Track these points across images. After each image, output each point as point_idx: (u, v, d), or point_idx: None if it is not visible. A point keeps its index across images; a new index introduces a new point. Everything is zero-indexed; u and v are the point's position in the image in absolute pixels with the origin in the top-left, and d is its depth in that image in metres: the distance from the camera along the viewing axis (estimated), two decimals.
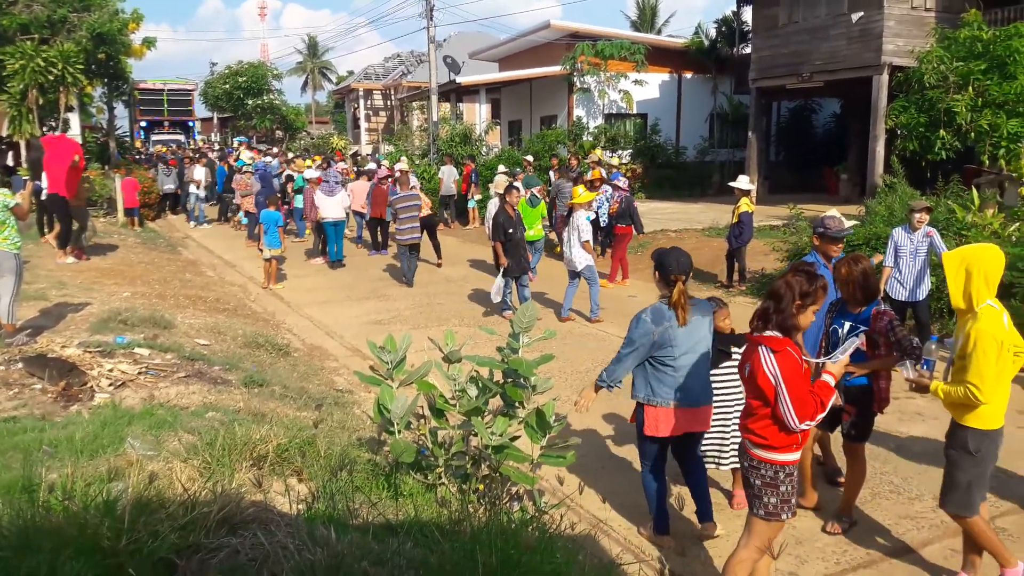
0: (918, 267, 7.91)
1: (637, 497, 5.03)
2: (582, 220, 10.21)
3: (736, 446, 4.91)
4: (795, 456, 3.60)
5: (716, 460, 5.07)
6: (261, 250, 13.15)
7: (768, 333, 3.54)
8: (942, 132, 14.66)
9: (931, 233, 7.97)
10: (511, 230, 10.25)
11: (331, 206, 14.49)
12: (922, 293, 7.99)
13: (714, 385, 4.79)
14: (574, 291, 10.37)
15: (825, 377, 3.59)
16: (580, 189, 11.54)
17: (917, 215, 7.86)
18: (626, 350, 4.51)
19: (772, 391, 3.47)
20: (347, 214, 15.34)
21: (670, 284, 4.46)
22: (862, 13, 16.85)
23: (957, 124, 14.47)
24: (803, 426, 3.45)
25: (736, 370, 4.77)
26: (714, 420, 4.85)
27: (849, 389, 4.76)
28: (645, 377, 4.54)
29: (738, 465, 4.92)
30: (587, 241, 10.15)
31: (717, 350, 4.75)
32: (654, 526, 4.74)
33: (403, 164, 17.33)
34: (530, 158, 19.62)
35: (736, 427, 4.85)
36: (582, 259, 10.12)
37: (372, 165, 19.65)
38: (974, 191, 11.16)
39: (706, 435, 4.91)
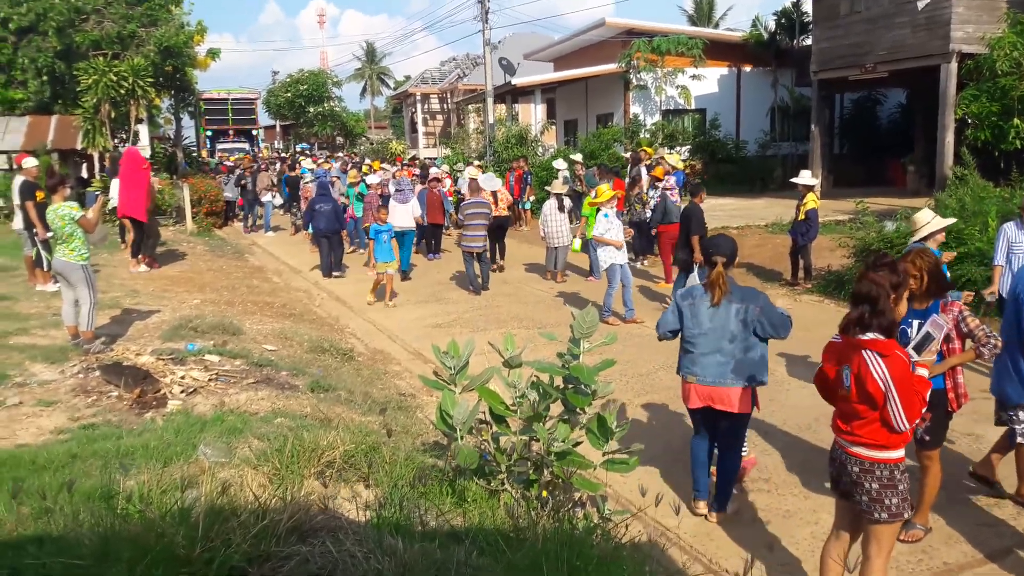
0: None
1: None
2: (600, 218, 10.35)
3: None
4: (904, 452, 3.59)
5: None
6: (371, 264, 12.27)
7: (870, 336, 3.49)
8: (1016, 121, 14.10)
9: None
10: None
11: (401, 214, 14.06)
12: None
13: None
14: (629, 293, 10.36)
15: (920, 371, 3.54)
16: (604, 187, 11.41)
17: None
18: (664, 315, 5.09)
19: (882, 396, 3.43)
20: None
21: (710, 264, 4.85)
22: (928, 0, 16.31)
23: None
24: (911, 427, 3.46)
25: None
26: None
27: None
28: (681, 350, 5.01)
29: None
30: (602, 236, 10.19)
31: None
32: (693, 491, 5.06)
33: (472, 170, 17.21)
34: (574, 157, 19.48)
35: None
36: (605, 259, 10.27)
37: (435, 170, 19.74)
38: None
39: None
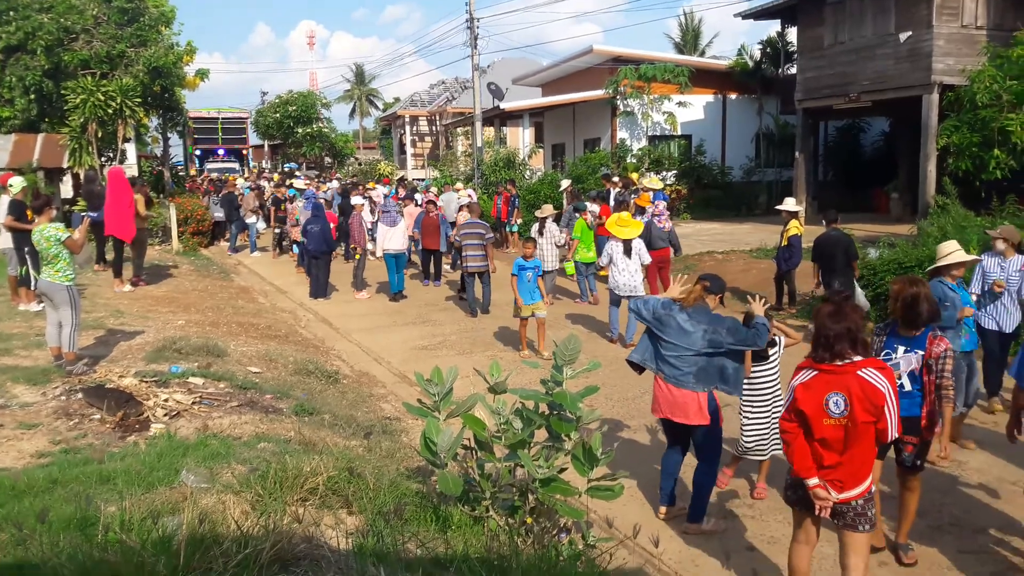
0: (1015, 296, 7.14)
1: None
2: (641, 245, 10.49)
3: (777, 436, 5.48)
4: None
5: (761, 452, 5.71)
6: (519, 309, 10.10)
7: (859, 358, 3.72)
8: (996, 151, 14.31)
9: None
10: None
11: (393, 237, 14.06)
12: (1012, 324, 7.22)
13: (752, 382, 5.56)
14: (618, 313, 10.43)
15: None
16: (627, 216, 11.06)
17: (997, 242, 7.27)
18: (643, 304, 5.52)
19: (884, 407, 3.64)
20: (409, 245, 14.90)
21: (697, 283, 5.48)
22: (910, 32, 16.59)
23: (1012, 143, 14.12)
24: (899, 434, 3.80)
25: (770, 369, 5.64)
26: (753, 415, 5.66)
27: (906, 420, 4.61)
28: (650, 346, 5.39)
29: (778, 453, 5.58)
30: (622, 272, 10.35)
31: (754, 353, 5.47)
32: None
33: (471, 193, 17.26)
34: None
35: (776, 420, 5.43)
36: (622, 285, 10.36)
37: (418, 196, 19.51)
38: None
39: (748, 431, 5.68)
